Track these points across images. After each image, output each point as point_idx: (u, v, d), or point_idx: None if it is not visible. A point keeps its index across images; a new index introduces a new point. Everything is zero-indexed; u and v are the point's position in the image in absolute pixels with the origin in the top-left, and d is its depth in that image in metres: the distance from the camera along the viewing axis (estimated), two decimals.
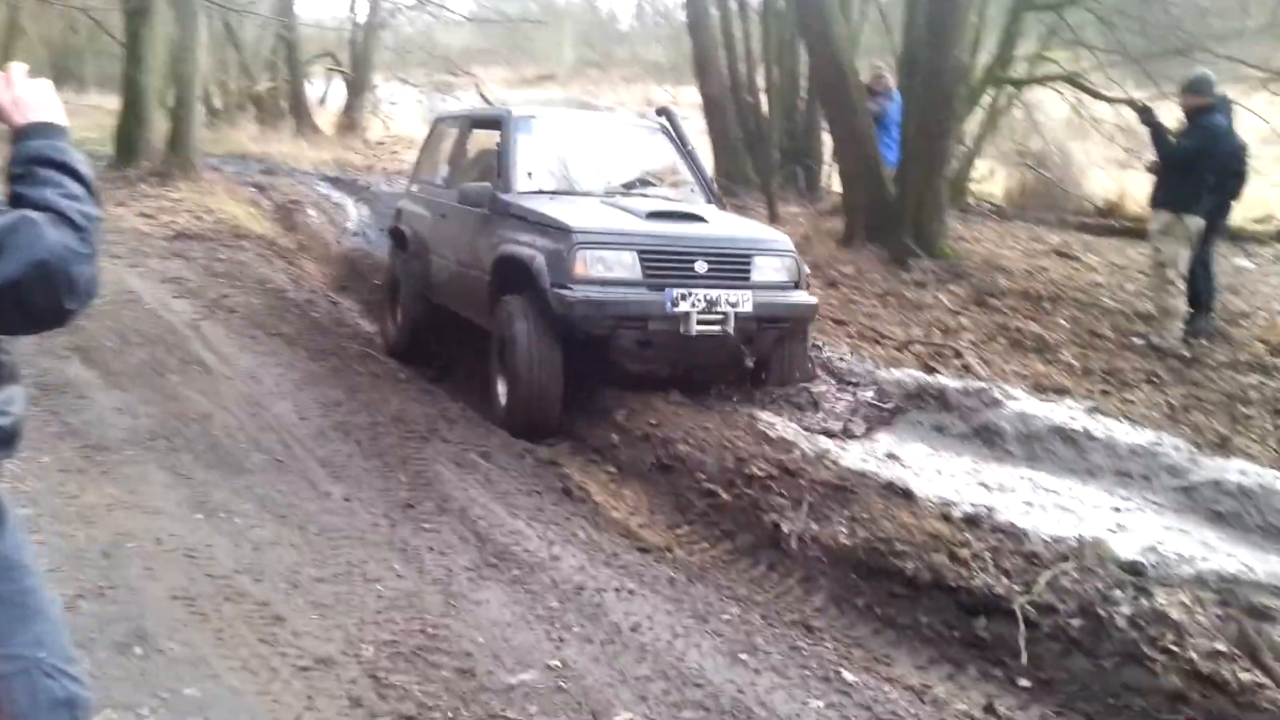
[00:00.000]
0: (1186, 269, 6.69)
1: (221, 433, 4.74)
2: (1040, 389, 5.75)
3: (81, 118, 13.28)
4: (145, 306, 6.60)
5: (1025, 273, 8.67)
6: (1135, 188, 11.35)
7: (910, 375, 5.90)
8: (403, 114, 21.32)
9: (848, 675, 3.01)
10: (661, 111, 6.85)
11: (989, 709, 2.91)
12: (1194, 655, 2.84)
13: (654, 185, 6.33)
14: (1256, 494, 4.12)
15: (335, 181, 13.68)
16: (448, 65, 20.70)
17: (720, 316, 5.06)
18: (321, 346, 6.55)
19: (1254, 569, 3.47)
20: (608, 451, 5.00)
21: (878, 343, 6.71)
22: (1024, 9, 11.22)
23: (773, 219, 9.36)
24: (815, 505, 3.97)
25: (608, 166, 6.30)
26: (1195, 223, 6.61)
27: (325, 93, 23.15)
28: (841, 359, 6.24)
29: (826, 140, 12.53)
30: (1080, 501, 4.33)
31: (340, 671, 2.82)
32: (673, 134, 6.52)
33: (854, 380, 5.80)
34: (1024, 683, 3.02)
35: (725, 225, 5.72)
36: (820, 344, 6.37)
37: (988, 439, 5.18)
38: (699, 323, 5.01)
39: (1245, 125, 8.34)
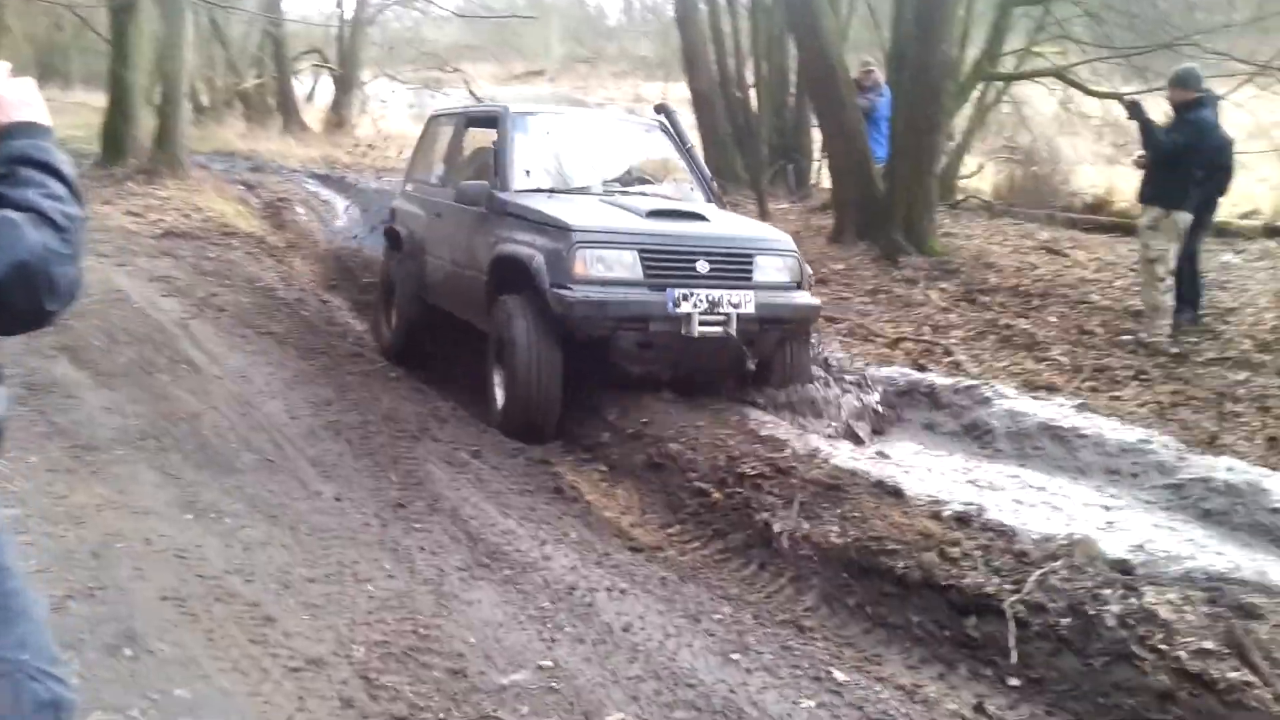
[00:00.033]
0: (1175, 265, 6.72)
1: (211, 432, 4.72)
2: (1030, 386, 5.78)
3: (67, 115, 13.23)
4: (133, 305, 6.56)
5: (1014, 269, 8.70)
6: (1123, 183, 11.39)
7: (901, 373, 5.93)
8: (391, 111, 21.26)
9: (839, 675, 3.02)
10: (660, 109, 6.77)
11: (979, 708, 2.92)
12: (1182, 654, 2.85)
13: (653, 184, 6.25)
14: (1245, 492, 4.14)
15: (324, 179, 13.63)
16: (436, 61, 20.66)
17: (722, 318, 4.97)
18: (311, 345, 6.53)
19: (1242, 567, 3.49)
20: (599, 450, 5.00)
21: (868, 340, 6.73)
22: (1012, 3, 11.24)
23: (763, 215, 9.36)
24: (806, 504, 3.97)
25: (606, 165, 6.22)
26: (1184, 218, 6.64)
27: (313, 90, 23.07)
28: (855, 360, 6.18)
29: (816, 136, 12.56)
30: (1070, 499, 4.36)
31: (331, 672, 2.81)
32: (672, 132, 6.44)
33: (858, 383, 5.68)
34: (1014, 682, 3.03)
35: (727, 224, 5.66)
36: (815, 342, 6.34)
37: (978, 437, 5.22)
38: (701, 324, 4.93)
39: (1231, 120, 8.39)
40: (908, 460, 4.94)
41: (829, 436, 5.05)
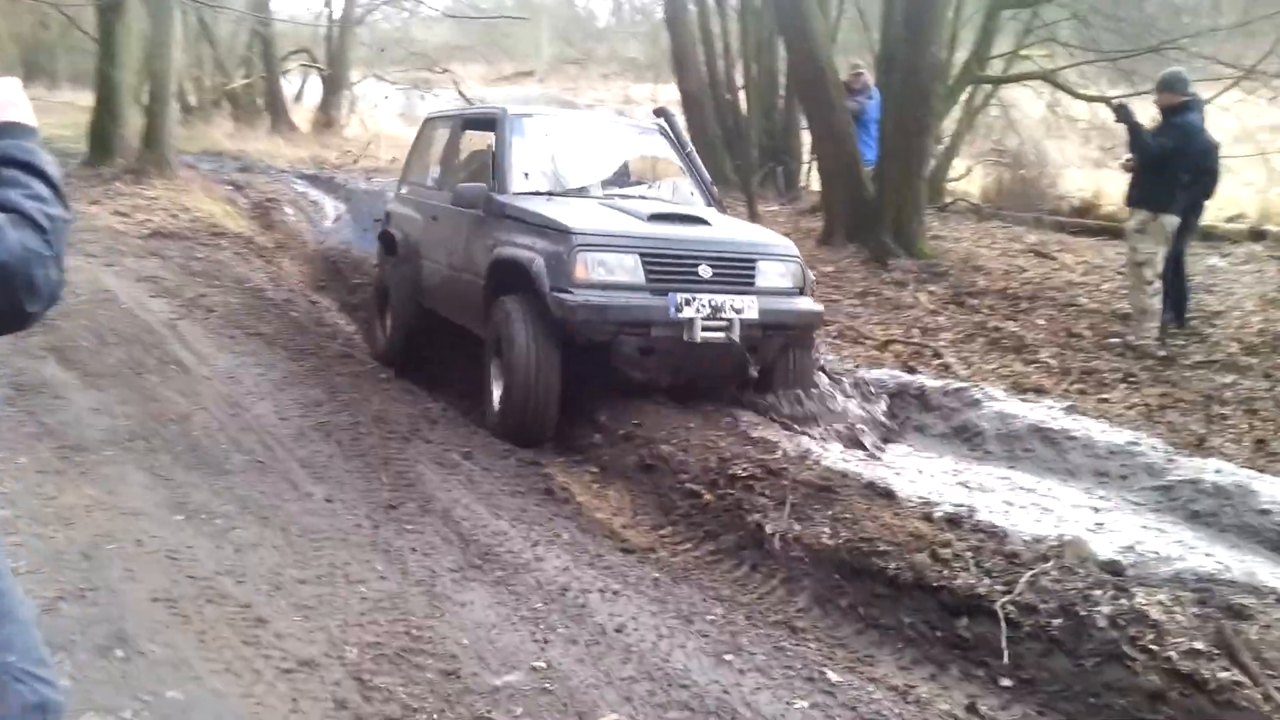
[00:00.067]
0: (1163, 268, 6.76)
1: (201, 433, 4.70)
2: (1019, 389, 5.81)
3: (54, 115, 13.17)
4: (122, 306, 6.53)
5: (1003, 272, 8.74)
6: (1110, 186, 11.46)
7: (891, 375, 5.96)
8: (380, 111, 21.20)
9: (832, 675, 3.03)
10: (660, 112, 6.67)
11: (971, 708, 2.93)
12: (1173, 654, 2.87)
13: (652, 187, 6.17)
14: (1233, 493, 4.18)
15: (312, 179, 13.59)
16: (425, 62, 20.61)
17: (725, 323, 4.89)
18: (301, 346, 6.51)
19: (1231, 568, 3.52)
20: (590, 452, 5.00)
21: (858, 342, 6.75)
22: (1000, 6, 11.30)
23: (752, 217, 9.37)
24: (798, 505, 3.98)
25: (605, 168, 6.15)
26: (1171, 221, 6.69)
27: (301, 89, 22.99)
28: (848, 363, 6.16)
29: (805, 138, 12.59)
30: (1059, 501, 4.39)
31: (324, 674, 2.80)
32: (671, 135, 6.37)
33: (862, 392, 5.65)
34: (1006, 682, 3.04)
35: (729, 229, 5.59)
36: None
37: (968, 439, 5.24)
38: (703, 329, 4.85)
39: (1217, 124, 8.46)
40: (898, 462, 4.97)
41: (841, 449, 4.98)
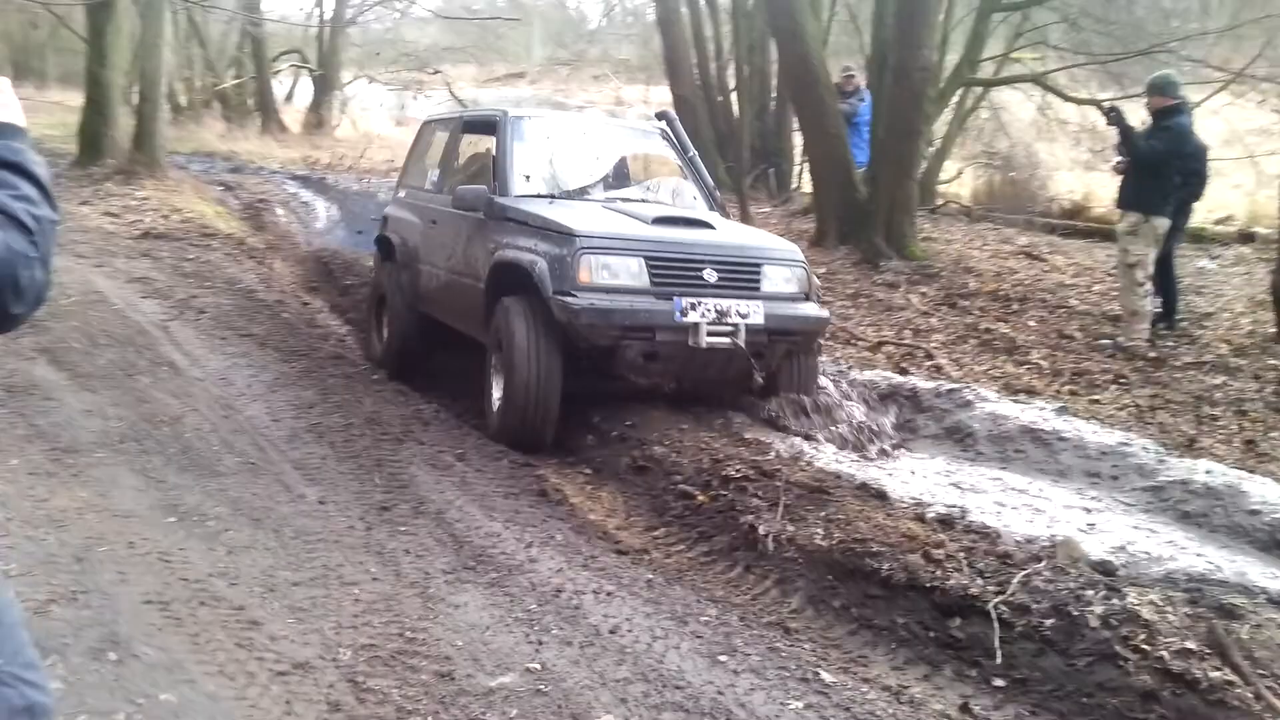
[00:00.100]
0: (1153, 270, 6.80)
1: (193, 435, 4.69)
2: (1010, 390, 5.84)
3: (44, 115, 13.13)
4: (113, 307, 6.50)
5: (994, 274, 8.77)
6: (1100, 189, 11.52)
7: (883, 376, 5.97)
8: (371, 112, 21.18)
9: (826, 676, 3.04)
10: (662, 116, 6.56)
11: (964, 708, 2.94)
12: (1165, 654, 2.88)
13: (654, 191, 6.07)
14: (1223, 494, 4.20)
15: (304, 180, 13.55)
16: (416, 63, 20.58)
17: (730, 328, 4.82)
18: (293, 347, 6.50)
19: (1222, 568, 3.54)
20: (583, 453, 5.00)
21: (850, 344, 6.77)
22: (991, 10, 11.34)
23: (744, 219, 9.39)
24: (791, 506, 3.99)
25: (607, 171, 6.08)
26: (1162, 223, 6.73)
27: (292, 90, 22.94)
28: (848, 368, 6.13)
29: (797, 140, 12.61)
30: (1051, 502, 4.41)
31: (318, 676, 2.79)
32: (674, 139, 6.28)
33: (868, 401, 5.60)
34: (999, 682, 3.05)
35: (733, 233, 5.53)
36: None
37: (960, 440, 5.26)
38: (708, 334, 4.77)
39: (1206, 127, 8.51)
40: (890, 462, 4.98)
41: (836, 451, 4.93)
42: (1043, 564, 3.45)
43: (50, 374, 5.19)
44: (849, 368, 6.12)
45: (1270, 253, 7.96)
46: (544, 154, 5.83)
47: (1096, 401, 5.73)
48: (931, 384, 5.78)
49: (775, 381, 5.25)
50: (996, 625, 3.15)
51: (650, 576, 3.69)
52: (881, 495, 4.18)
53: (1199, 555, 3.69)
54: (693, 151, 6.27)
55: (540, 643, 3.10)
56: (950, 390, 5.61)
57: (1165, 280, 7.07)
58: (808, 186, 11.47)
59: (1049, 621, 3.12)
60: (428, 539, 3.84)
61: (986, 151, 13.75)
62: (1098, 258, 9.48)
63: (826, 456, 4.76)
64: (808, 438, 4.99)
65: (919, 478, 4.71)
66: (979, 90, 12.68)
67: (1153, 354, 6.55)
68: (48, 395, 4.89)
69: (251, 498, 4.06)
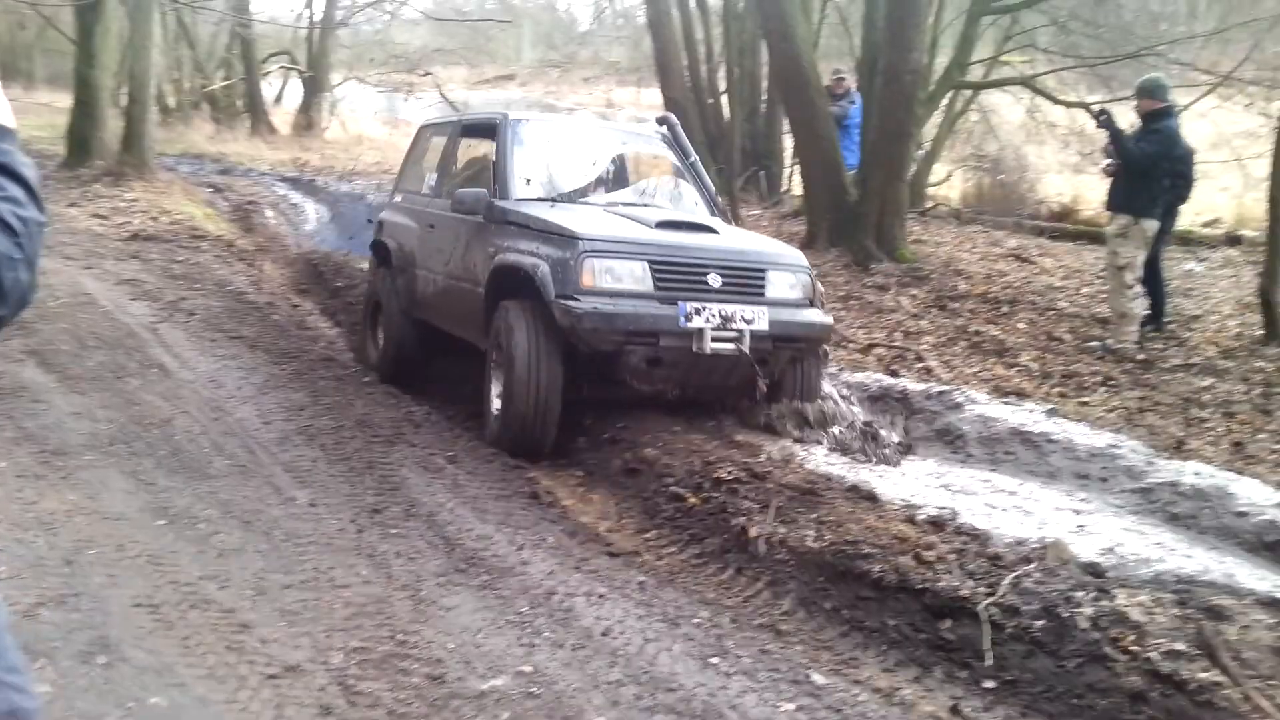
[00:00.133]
0: (1142, 272, 6.83)
1: (183, 438, 4.67)
2: (1000, 392, 5.86)
3: (32, 116, 13.07)
4: (102, 309, 6.47)
5: (983, 276, 8.80)
6: (1088, 192, 11.58)
7: (873, 378, 5.99)
8: (361, 114, 21.14)
9: (817, 678, 3.04)
10: (663, 120, 6.46)
11: (955, 710, 2.95)
12: (1154, 655, 2.90)
13: (655, 195, 6.03)
14: (1212, 496, 4.23)
15: (293, 182, 13.53)
16: (406, 65, 20.55)
17: (735, 334, 4.74)
18: (283, 350, 6.48)
19: (1211, 570, 3.56)
20: (575, 455, 5.00)
21: (841, 346, 6.78)
22: (981, 13, 11.39)
23: (735, 222, 9.39)
24: (782, 508, 4.00)
25: (607, 175, 6.04)
26: (1152, 225, 6.77)
27: (281, 92, 22.89)
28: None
29: (787, 143, 12.64)
30: (1041, 504, 4.42)
31: (309, 679, 2.79)
32: (675, 143, 6.21)
33: (872, 415, 5.54)
34: (989, 684, 3.06)
35: (737, 238, 5.47)
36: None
37: (950, 442, 5.27)
38: (713, 340, 4.69)
39: (1193, 130, 8.56)
40: (880, 465, 4.99)
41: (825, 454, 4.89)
42: (1033, 566, 3.47)
43: (39, 376, 5.16)
44: (840, 370, 6.13)
45: (1257, 255, 8.01)
46: (544, 157, 5.76)
47: (1085, 404, 5.75)
48: (922, 386, 5.80)
49: (778, 388, 5.19)
50: (987, 627, 3.17)
51: (642, 579, 3.70)
52: (872, 497, 4.19)
53: (1188, 557, 3.72)
54: (694, 156, 6.20)
55: (532, 645, 3.10)
56: (940, 392, 5.63)
57: (1153, 283, 7.10)
58: (798, 189, 11.49)
59: (1039, 623, 3.13)
60: (419, 541, 3.83)
61: (976, 154, 13.81)
62: (1086, 260, 9.52)
63: (817, 459, 4.77)
64: (815, 444, 4.96)
65: (909, 480, 4.72)
66: (968, 93, 12.73)
67: (1141, 356, 6.59)
68: (36, 397, 4.86)
69: (242, 500, 4.05)
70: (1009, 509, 4.31)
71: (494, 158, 5.72)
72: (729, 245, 5.14)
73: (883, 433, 5.21)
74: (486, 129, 6.04)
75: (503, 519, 4.12)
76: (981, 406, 5.44)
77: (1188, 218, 9.23)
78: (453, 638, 3.10)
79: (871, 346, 6.78)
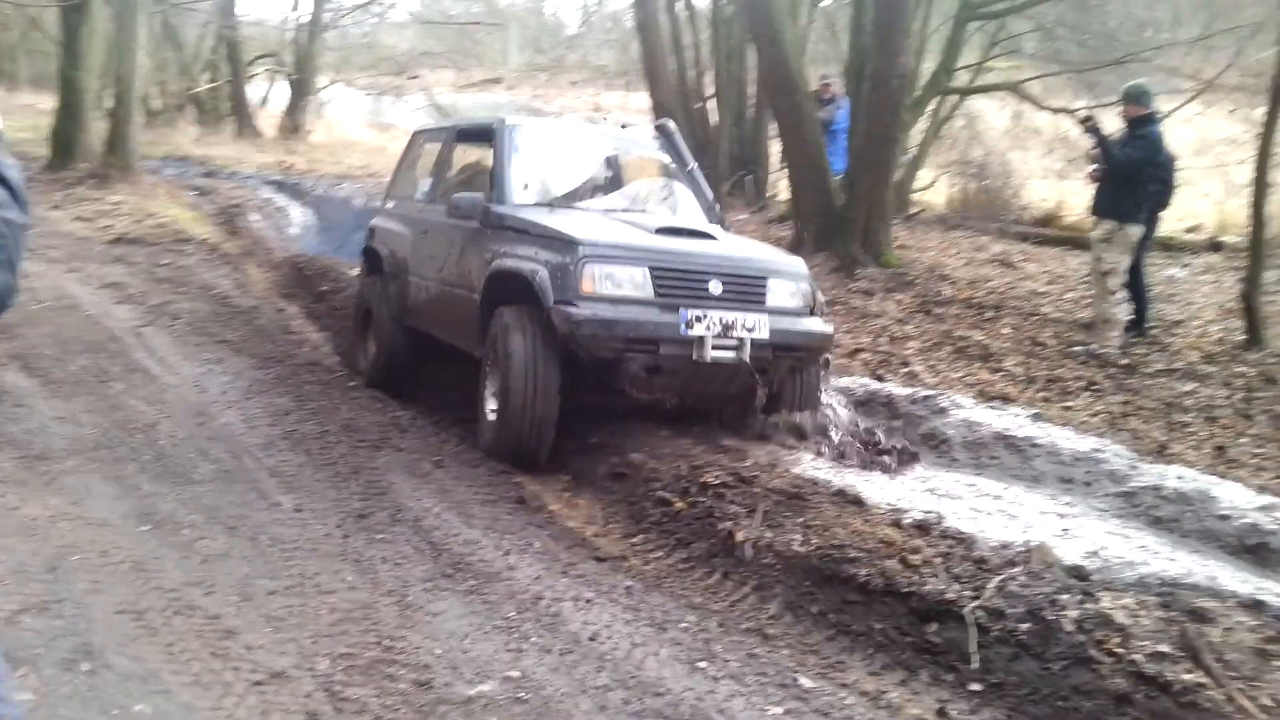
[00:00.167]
0: (1126, 277, 6.88)
1: (168, 442, 4.65)
2: (985, 396, 5.89)
3: (15, 118, 12.96)
4: (85, 312, 6.45)
5: (968, 281, 8.83)
6: (1072, 197, 11.65)
7: (859, 383, 6.01)
8: (347, 117, 21.08)
9: (805, 681, 3.05)
10: (660, 127, 6.40)
11: (941, 713, 2.96)
12: (1138, 657, 2.92)
13: (654, 202, 5.94)
14: (1194, 499, 4.26)
15: (278, 185, 13.47)
16: (394, 68, 20.52)
17: (736, 342, 4.68)
18: (269, 354, 6.46)
19: (1194, 572, 3.59)
20: (561, 460, 4.98)
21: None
22: (967, 18, 11.46)
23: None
24: (769, 513, 4.01)
25: (605, 181, 5.97)
26: (1136, 231, 6.82)
27: (267, 94, 22.80)
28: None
29: (773, 148, 12.68)
30: (1025, 507, 4.45)
31: (295, 686, 2.78)
32: (673, 150, 6.15)
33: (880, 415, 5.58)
34: (975, 686, 3.08)
35: (738, 245, 5.42)
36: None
37: (935, 446, 5.30)
38: (714, 348, 4.63)
39: (1177, 136, 8.63)
40: (867, 469, 5.00)
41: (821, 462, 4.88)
42: (1018, 569, 3.49)
43: (21, 380, 5.14)
44: (827, 374, 6.14)
45: (1239, 261, 8.07)
46: (542, 163, 5.70)
47: (1069, 408, 5.79)
48: (907, 391, 5.82)
49: (778, 398, 5.14)
50: (973, 630, 3.18)
51: (629, 583, 3.69)
52: (858, 501, 4.20)
53: (1171, 560, 3.74)
54: (692, 164, 6.14)
55: (519, 650, 3.09)
56: (926, 397, 5.66)
57: (1136, 288, 7.15)
58: (784, 193, 11.52)
59: (1024, 626, 3.15)
60: (405, 547, 3.82)
61: (961, 159, 13.87)
62: (1070, 265, 9.57)
63: (804, 463, 4.78)
64: (819, 456, 4.95)
65: (895, 484, 4.74)
66: (954, 98, 12.80)
67: (1125, 361, 6.62)
68: (19, 402, 4.84)
69: (227, 505, 4.03)
70: (994, 513, 4.34)
71: (491, 163, 5.65)
72: (730, 252, 5.09)
73: (887, 441, 5.20)
74: (483, 134, 5.97)
75: (489, 524, 4.11)
76: (966, 411, 5.47)
77: (1170, 224, 9.29)
78: (440, 643, 3.09)
79: (857, 351, 6.80)
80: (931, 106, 12.45)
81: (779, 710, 2.88)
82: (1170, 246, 10.02)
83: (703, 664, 3.12)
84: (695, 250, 4.93)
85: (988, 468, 5.02)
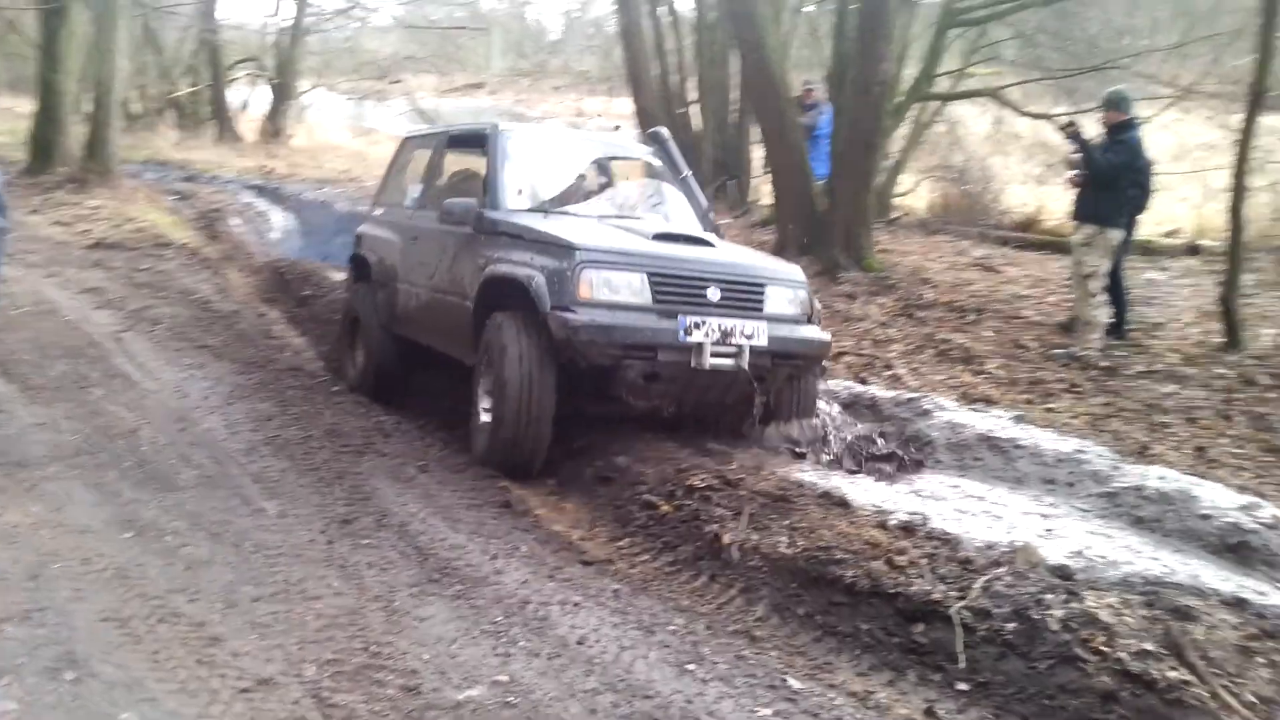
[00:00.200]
0: (1107, 281, 6.94)
1: (149, 448, 4.61)
2: (968, 399, 5.92)
3: None
4: (64, 318, 6.39)
5: (950, 285, 8.89)
6: (1051, 202, 11.74)
7: (844, 386, 6.03)
8: (329, 121, 21.00)
9: (793, 683, 3.05)
10: (654, 135, 6.34)
11: (929, 712, 2.97)
12: (1124, 655, 2.94)
13: (648, 209, 5.85)
14: (1176, 499, 4.30)
15: (259, 190, 13.40)
16: (376, 72, 20.46)
17: (734, 349, 4.63)
18: (250, 359, 6.43)
19: (1176, 571, 3.62)
20: (547, 464, 4.97)
21: None
22: (949, 25, 11.53)
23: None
24: (755, 515, 4.02)
25: (599, 188, 5.94)
26: (1117, 235, 6.88)
27: (248, 99, 22.68)
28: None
29: (755, 153, 12.72)
30: (1009, 508, 4.47)
31: (283, 692, 2.76)
32: (667, 157, 6.11)
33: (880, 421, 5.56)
34: (962, 686, 3.09)
35: (734, 252, 5.38)
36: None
37: (919, 448, 5.31)
38: (712, 355, 4.58)
39: (1155, 142, 8.71)
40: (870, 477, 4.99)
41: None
42: (1003, 569, 3.51)
43: (0, 386, 5.08)
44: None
45: (1217, 265, 8.15)
46: (535, 169, 5.63)
47: (1051, 410, 5.82)
48: (891, 393, 5.85)
49: (776, 407, 5.11)
50: (959, 630, 3.20)
51: (616, 587, 3.69)
52: (844, 503, 4.21)
53: (1154, 559, 3.77)
54: (686, 171, 6.11)
55: (508, 655, 3.08)
56: (909, 399, 5.68)
57: (1115, 291, 7.21)
58: (767, 198, 11.55)
59: (1010, 625, 3.17)
60: (391, 552, 3.80)
61: (942, 165, 13.96)
62: (1050, 269, 9.65)
63: (789, 465, 4.79)
64: (822, 466, 4.94)
65: (880, 485, 4.76)
66: (936, 104, 12.88)
67: (1106, 363, 6.68)
68: None
69: (210, 511, 4.00)
70: (978, 514, 4.36)
71: (484, 169, 5.59)
72: (728, 259, 5.04)
73: (885, 448, 5.20)
74: (475, 140, 5.91)
75: (475, 528, 4.10)
76: (949, 413, 5.49)
77: (1148, 228, 9.38)
78: (427, 648, 3.08)
79: (841, 354, 6.82)
80: (913, 112, 12.53)
81: (768, 712, 2.89)
82: (1149, 250, 10.12)
83: (691, 666, 3.12)
84: (693, 256, 4.88)
85: (971, 469, 5.05)
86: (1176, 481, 4.48)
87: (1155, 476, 4.55)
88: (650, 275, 4.64)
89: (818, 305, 5.30)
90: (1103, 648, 2.98)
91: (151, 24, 17.50)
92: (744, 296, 4.82)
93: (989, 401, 5.89)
